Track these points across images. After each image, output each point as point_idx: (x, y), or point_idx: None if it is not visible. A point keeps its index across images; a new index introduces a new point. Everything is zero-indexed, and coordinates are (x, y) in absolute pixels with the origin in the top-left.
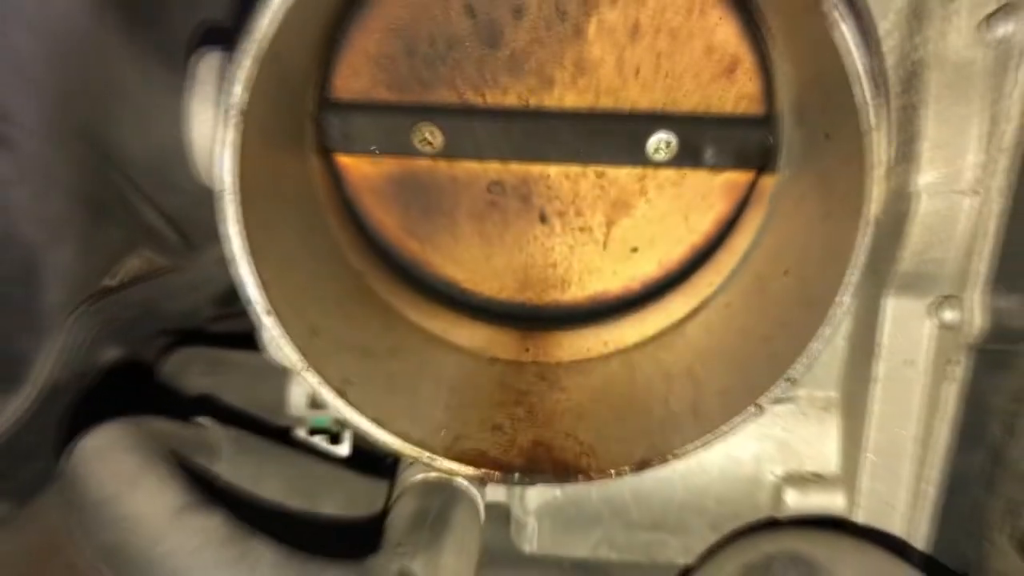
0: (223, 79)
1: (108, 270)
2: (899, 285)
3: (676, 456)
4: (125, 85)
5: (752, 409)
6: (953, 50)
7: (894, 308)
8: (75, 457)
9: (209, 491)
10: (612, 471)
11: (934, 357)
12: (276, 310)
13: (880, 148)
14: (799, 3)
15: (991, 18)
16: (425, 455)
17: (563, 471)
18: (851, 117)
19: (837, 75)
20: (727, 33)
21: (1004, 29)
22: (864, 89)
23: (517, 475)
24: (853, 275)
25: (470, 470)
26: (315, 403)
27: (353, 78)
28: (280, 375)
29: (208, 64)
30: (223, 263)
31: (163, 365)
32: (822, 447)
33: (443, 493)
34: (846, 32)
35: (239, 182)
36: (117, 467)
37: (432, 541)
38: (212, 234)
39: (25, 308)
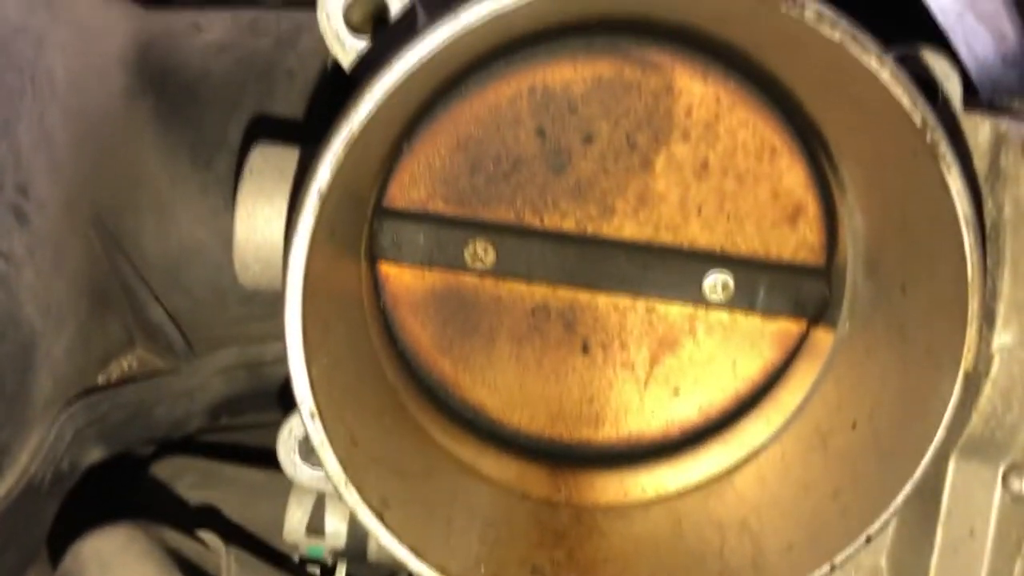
0: (282, 172)
1: (103, 367)
2: (966, 448)
3: None
4: (150, 178)
5: (826, 568)
6: None
7: (959, 472)
8: (78, 558)
9: None
10: None
11: (1003, 530)
12: (320, 413)
13: (977, 299)
14: (892, 150)
15: None
16: None
17: None
18: (940, 266)
19: (927, 222)
20: (794, 180)
21: None
22: (971, 234)
23: None
24: (940, 429)
25: None
26: (312, 529)
27: (412, 187)
28: (276, 496)
29: (266, 156)
30: (222, 373)
31: (152, 471)
32: None
33: None
34: (957, 175)
35: (306, 271)
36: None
37: None
38: (216, 341)
39: (15, 396)
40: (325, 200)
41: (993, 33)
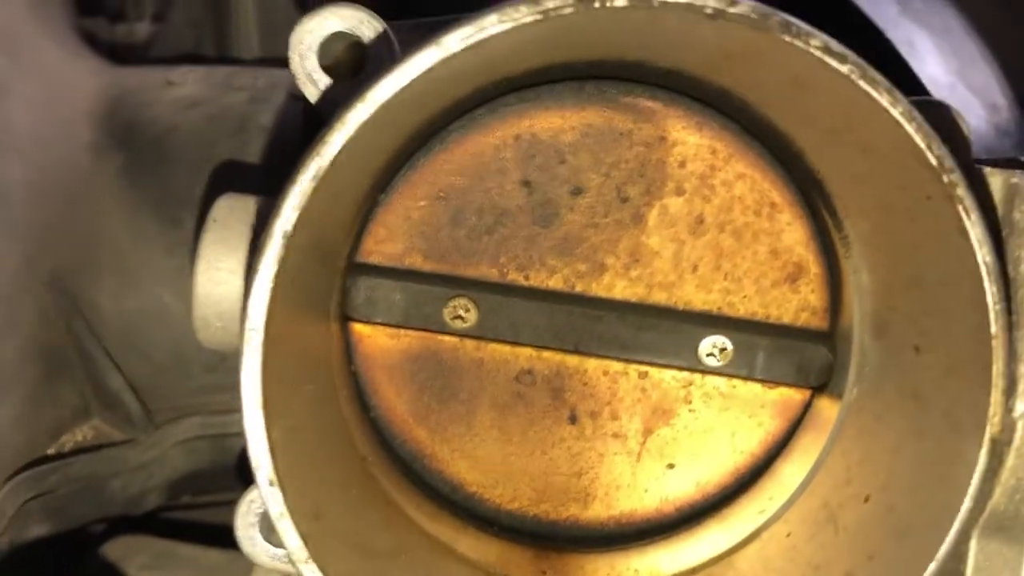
0: (247, 224)
1: (55, 437)
2: (988, 526)
3: None
4: (113, 236)
5: None
6: None
7: (981, 553)
8: None
9: None
10: None
11: None
12: (280, 481)
13: (1003, 356)
14: (902, 197)
15: None
16: None
17: None
18: (957, 323)
19: (942, 276)
20: (795, 238)
21: None
22: (993, 284)
23: None
24: (967, 499)
25: None
26: None
27: (388, 242)
28: None
29: (231, 206)
30: (183, 446)
31: (101, 551)
32: None
33: None
34: (977, 220)
35: (268, 320)
36: None
37: None
38: (177, 411)
39: None
40: (290, 242)
41: (985, 104)
